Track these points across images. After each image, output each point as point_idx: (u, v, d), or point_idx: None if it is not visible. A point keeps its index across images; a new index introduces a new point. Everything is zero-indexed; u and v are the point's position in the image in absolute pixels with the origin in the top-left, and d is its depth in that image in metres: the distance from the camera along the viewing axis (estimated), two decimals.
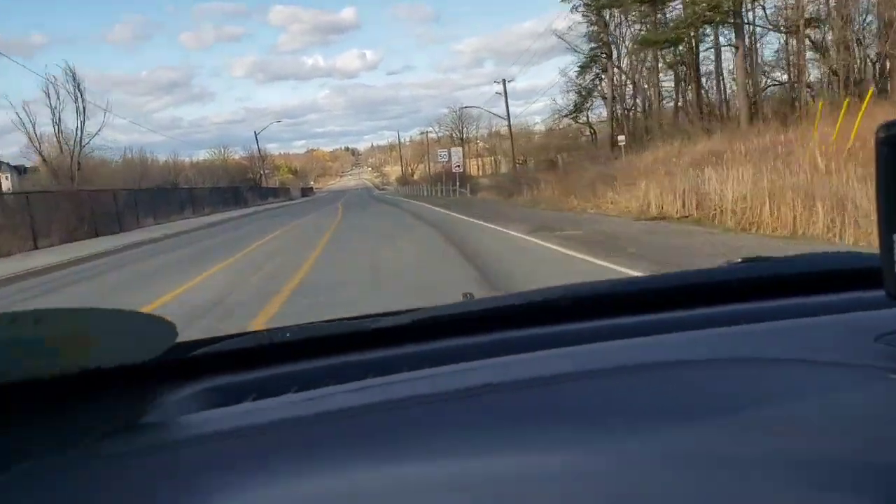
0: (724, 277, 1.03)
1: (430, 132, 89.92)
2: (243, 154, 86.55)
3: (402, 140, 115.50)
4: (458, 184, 34.79)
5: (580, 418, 0.57)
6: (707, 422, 0.54)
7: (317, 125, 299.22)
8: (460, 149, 33.48)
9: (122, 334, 0.66)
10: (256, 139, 59.83)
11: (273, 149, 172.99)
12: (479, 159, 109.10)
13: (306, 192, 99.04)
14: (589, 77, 36.94)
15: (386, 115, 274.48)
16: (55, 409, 0.70)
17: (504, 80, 33.62)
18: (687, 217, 12.16)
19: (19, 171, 42.56)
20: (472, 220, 16.21)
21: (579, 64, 36.22)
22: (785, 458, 0.46)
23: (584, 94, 37.34)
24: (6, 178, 43.07)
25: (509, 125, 33.75)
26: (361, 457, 0.53)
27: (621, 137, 27.47)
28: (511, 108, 34.73)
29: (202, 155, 75.47)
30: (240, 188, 50.75)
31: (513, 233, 12.01)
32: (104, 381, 0.70)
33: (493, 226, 13.77)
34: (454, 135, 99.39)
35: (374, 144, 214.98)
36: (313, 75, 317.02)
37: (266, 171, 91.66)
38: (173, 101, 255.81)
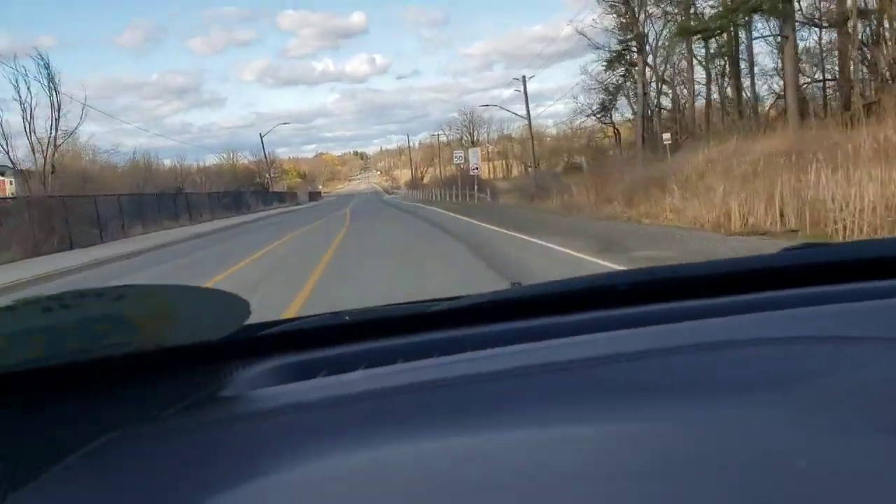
0: (787, 262, 1.03)
1: (441, 134, 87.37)
2: (251, 158, 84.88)
3: (412, 144, 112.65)
4: (476, 187, 31.83)
5: (664, 393, 0.58)
6: (797, 394, 0.54)
7: (326, 129, 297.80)
8: (478, 149, 30.41)
9: (199, 312, 0.68)
10: (262, 142, 56.72)
11: (283, 153, 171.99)
12: (490, 163, 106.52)
13: (314, 196, 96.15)
14: (617, 73, 34.02)
15: (395, 120, 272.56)
16: (136, 383, 0.73)
17: (524, 77, 30.73)
18: (795, 232, 9.25)
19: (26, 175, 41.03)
20: (506, 231, 13.29)
21: (606, 59, 33.30)
22: (862, 426, 0.48)
23: (611, 90, 34.29)
24: (10, 182, 41.56)
25: (529, 124, 30.81)
26: (433, 428, 0.55)
27: (666, 136, 24.49)
28: (520, 111, 31.95)
29: (210, 159, 74.61)
30: (243, 193, 48.00)
31: (573, 252, 9.06)
32: (180, 356, 0.74)
33: (538, 241, 10.84)
34: (465, 138, 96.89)
35: (384, 148, 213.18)
36: (323, 80, 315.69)
37: (273, 175, 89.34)
38: (183, 105, 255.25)
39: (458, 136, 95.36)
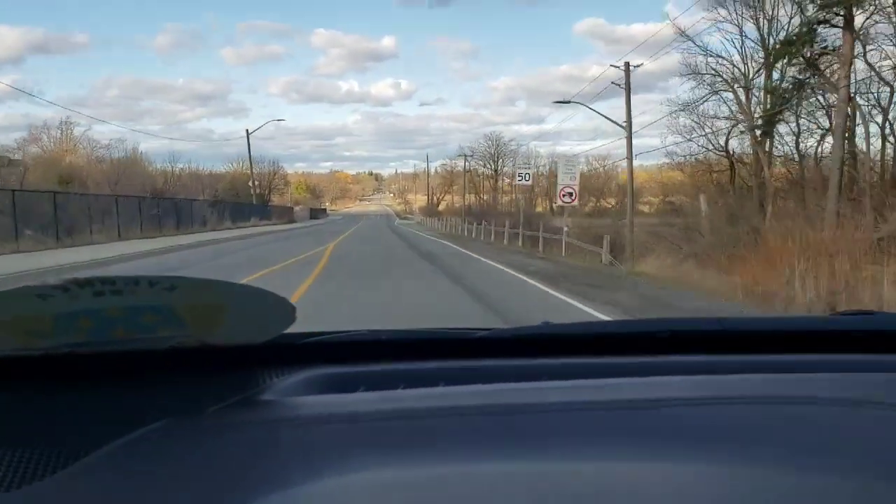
0: (835, 327, 1.04)
1: (465, 156, 76.77)
2: (262, 168, 74.88)
3: (427, 169, 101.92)
4: (566, 228, 18.55)
5: (694, 440, 0.58)
6: (841, 461, 0.53)
7: (344, 148, 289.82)
8: (578, 163, 19.07)
9: (246, 312, 0.66)
10: (248, 141, 45.26)
11: (301, 167, 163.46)
12: (513, 195, 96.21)
13: (317, 213, 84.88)
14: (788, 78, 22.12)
15: (413, 145, 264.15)
16: (177, 377, 0.72)
17: (627, 65, 20.05)
18: None
19: (1, 163, 34.39)
20: None
21: (779, 50, 20.30)
22: None
23: (787, 96, 20.81)
24: None
25: (629, 136, 19.95)
26: (480, 451, 0.55)
27: None
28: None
29: (221, 167, 65.88)
30: (195, 204, 36.27)
31: None
32: (223, 355, 0.74)
33: None
34: (488, 165, 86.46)
35: (399, 171, 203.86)
36: (347, 100, 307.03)
37: (275, 186, 78.88)
38: (207, 112, 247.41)
39: (482, 164, 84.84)
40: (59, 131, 38.70)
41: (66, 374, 0.69)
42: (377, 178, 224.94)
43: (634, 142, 19.05)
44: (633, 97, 19.26)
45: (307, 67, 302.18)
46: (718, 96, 24.38)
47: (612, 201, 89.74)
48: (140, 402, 0.69)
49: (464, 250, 18.95)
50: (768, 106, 22.40)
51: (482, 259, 15.53)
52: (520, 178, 21.98)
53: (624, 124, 19.40)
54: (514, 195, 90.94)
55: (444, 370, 0.85)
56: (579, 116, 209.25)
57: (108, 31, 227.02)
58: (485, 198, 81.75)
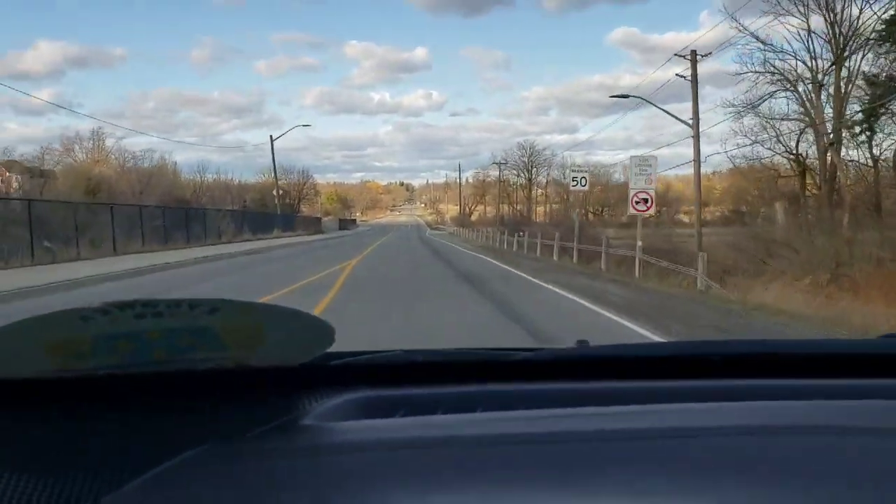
0: (888, 350, 1.02)
1: (500, 164, 73.44)
2: (291, 178, 72.85)
3: (459, 179, 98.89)
4: (638, 243, 14.57)
5: (747, 471, 0.56)
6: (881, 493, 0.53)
7: (375, 159, 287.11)
8: (653, 165, 15.54)
9: (284, 334, 0.66)
10: (272, 147, 41.48)
11: (332, 178, 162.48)
12: (547, 205, 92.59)
13: (346, 224, 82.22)
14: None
15: (444, 155, 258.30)
16: (217, 399, 0.72)
17: (694, 53, 16.66)
18: None
19: (33, 173, 35.92)
20: None
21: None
22: None
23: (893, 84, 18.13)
24: (17, 178, 35.55)
25: (696, 135, 16.50)
26: (515, 483, 0.53)
27: None
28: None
29: (252, 177, 64.75)
30: (207, 213, 33.08)
31: None
32: (262, 377, 0.73)
33: None
34: (522, 175, 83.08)
35: (430, 182, 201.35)
36: (379, 111, 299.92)
37: (304, 196, 76.55)
38: (241, 124, 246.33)
39: (515, 173, 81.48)
40: (91, 142, 38.81)
41: (104, 397, 0.68)
42: (408, 188, 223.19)
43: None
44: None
45: (340, 79, 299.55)
46: (788, 94, 20.74)
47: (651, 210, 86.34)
48: (178, 426, 0.68)
49: (511, 269, 15.53)
50: (842, 105, 18.73)
51: (539, 283, 12.02)
52: (574, 182, 18.38)
53: (690, 122, 16.25)
54: (548, 205, 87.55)
55: (483, 394, 0.82)
56: (613, 126, 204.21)
57: (146, 45, 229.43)
58: (518, 208, 78.52)
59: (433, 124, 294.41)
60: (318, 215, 72.21)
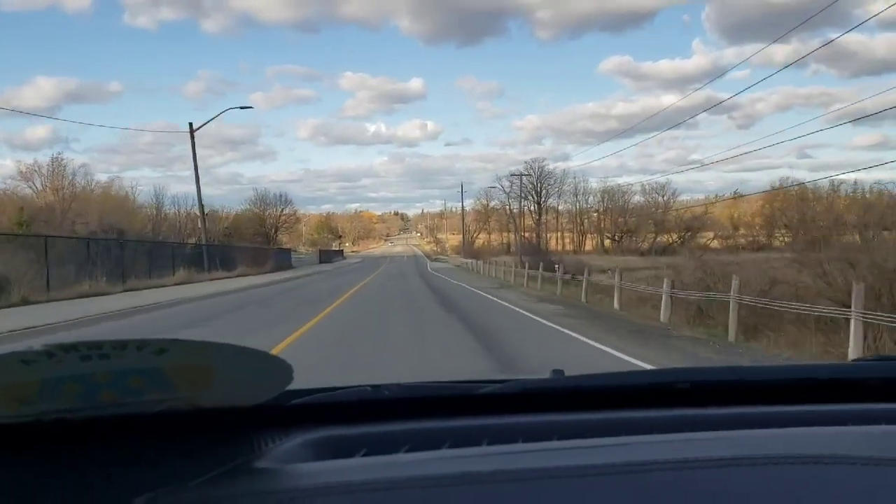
0: (859, 374, 1.00)
1: (505, 187, 63.12)
2: (269, 207, 62.62)
3: (457, 207, 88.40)
4: None
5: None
6: None
7: (370, 189, 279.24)
8: None
9: (239, 373, 0.63)
10: (192, 139, 28.64)
11: (327, 209, 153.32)
12: (560, 233, 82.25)
13: (330, 256, 70.38)
14: None
15: (439, 185, 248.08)
16: (167, 443, 0.69)
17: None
18: None
19: None
20: None
21: None
22: None
23: None
24: None
25: None
26: None
27: None
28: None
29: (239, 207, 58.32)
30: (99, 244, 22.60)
31: None
32: (215, 418, 0.70)
33: None
34: (530, 197, 72.61)
35: (425, 211, 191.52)
36: (374, 141, 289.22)
37: (281, 224, 65.87)
38: (236, 157, 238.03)
39: (523, 196, 70.81)
40: (49, 169, 35.99)
41: (48, 443, 0.64)
42: (403, 217, 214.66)
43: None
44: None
45: (334, 110, 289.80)
46: None
47: (674, 236, 76.44)
48: (124, 472, 0.64)
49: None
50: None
51: None
52: None
53: None
54: (559, 232, 77.15)
55: (450, 429, 0.79)
56: (604, 153, 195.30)
57: (142, 79, 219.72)
58: (526, 235, 68.18)
59: (428, 154, 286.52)
60: (288, 246, 60.65)
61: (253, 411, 0.69)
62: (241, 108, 31.10)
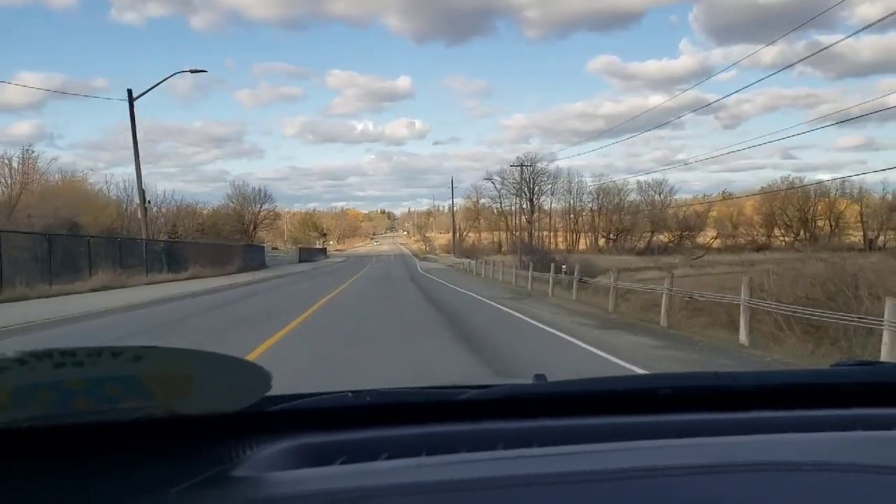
0: (837, 379, 1.00)
1: (495, 185, 59.65)
2: (268, 208, 59.45)
3: (446, 206, 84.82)
4: None
5: None
6: None
7: (357, 188, 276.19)
8: None
9: (217, 380, 0.62)
10: (131, 104, 24.81)
11: (313, 207, 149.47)
12: (553, 233, 78.95)
13: (312, 255, 66.35)
14: None
15: (427, 184, 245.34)
16: (144, 452, 0.68)
17: None
18: None
19: None
20: None
21: None
22: None
23: None
24: None
25: None
26: None
27: None
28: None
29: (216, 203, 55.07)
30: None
31: None
32: (193, 426, 0.69)
33: None
34: (523, 193, 69.06)
35: (412, 210, 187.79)
36: (361, 140, 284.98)
37: (260, 221, 62.12)
38: (222, 154, 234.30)
39: (514, 192, 67.13)
40: (20, 162, 34.21)
41: (27, 450, 0.64)
42: (390, 216, 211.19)
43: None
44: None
45: (322, 108, 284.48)
46: None
47: (671, 235, 73.43)
48: (98, 482, 0.63)
49: None
50: None
51: None
52: None
53: None
54: (551, 230, 73.87)
55: (430, 436, 0.79)
56: (591, 154, 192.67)
57: (127, 75, 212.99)
58: (517, 234, 64.79)
59: (416, 153, 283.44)
60: (263, 244, 56.80)
61: (232, 418, 0.68)
62: (192, 71, 26.16)
